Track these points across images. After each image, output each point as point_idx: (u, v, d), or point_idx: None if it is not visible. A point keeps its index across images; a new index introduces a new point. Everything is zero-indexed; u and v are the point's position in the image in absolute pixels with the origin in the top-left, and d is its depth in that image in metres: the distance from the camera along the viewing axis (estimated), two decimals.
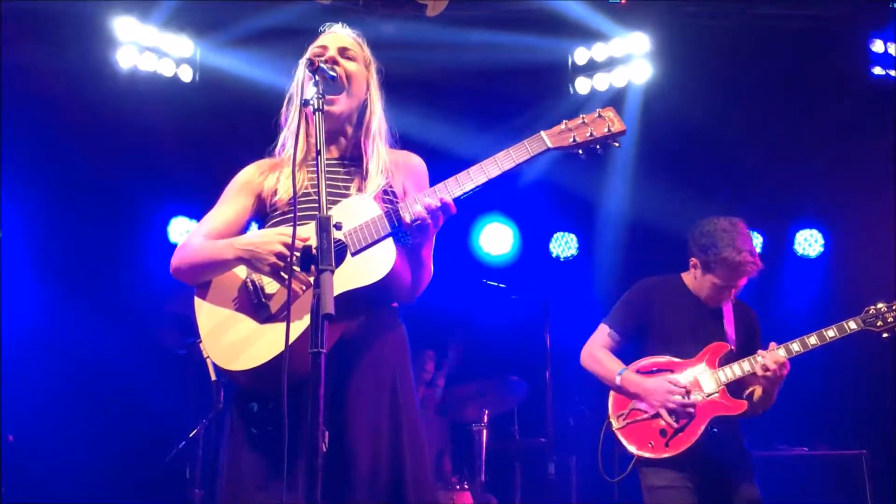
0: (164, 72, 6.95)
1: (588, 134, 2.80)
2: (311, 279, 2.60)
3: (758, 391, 4.14)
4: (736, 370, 4.15)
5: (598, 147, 2.83)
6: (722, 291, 4.28)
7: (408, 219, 2.68)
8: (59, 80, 6.74)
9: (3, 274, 7.13)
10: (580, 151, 2.82)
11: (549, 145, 2.77)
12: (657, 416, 4.17)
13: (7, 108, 6.83)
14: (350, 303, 2.63)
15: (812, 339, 4.07)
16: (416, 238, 2.75)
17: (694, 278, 4.39)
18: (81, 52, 6.74)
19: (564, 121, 2.82)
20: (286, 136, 3.04)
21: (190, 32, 6.97)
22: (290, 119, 3.01)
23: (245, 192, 2.99)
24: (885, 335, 4.07)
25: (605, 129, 2.81)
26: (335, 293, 2.54)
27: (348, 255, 2.68)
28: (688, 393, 4.15)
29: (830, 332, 4.08)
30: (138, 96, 6.87)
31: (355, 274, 2.66)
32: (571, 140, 2.79)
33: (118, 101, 6.83)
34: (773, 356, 4.05)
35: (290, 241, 2.60)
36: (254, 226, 3.05)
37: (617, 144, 2.85)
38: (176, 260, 2.87)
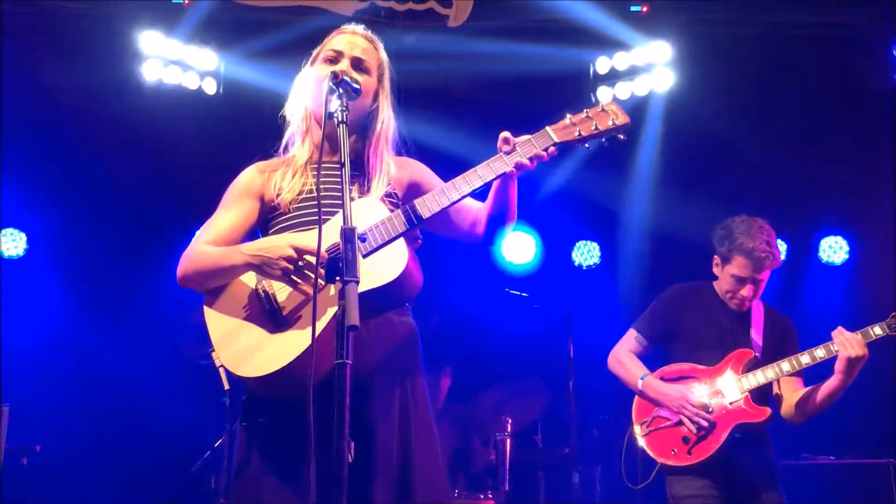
0: (189, 85, 7.02)
1: (593, 127, 2.80)
2: (322, 282, 2.62)
3: (826, 388, 4.06)
4: (759, 377, 4.13)
5: (603, 140, 2.84)
6: (741, 286, 4.24)
7: (426, 215, 2.72)
8: (84, 93, 6.83)
9: (29, 286, 7.23)
10: (586, 144, 2.83)
11: (556, 140, 2.78)
12: (680, 423, 4.17)
13: (32, 121, 6.94)
14: (366, 302, 2.60)
15: (834, 347, 4.04)
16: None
17: (719, 280, 4.38)
18: (107, 67, 6.82)
19: (568, 115, 2.82)
20: (292, 136, 3.04)
21: (214, 46, 7.04)
22: (300, 126, 3.01)
23: (248, 195, 2.98)
24: None
25: (610, 122, 2.81)
26: None
27: (359, 257, 2.69)
28: (706, 405, 4.15)
29: (858, 337, 4.04)
30: (163, 109, 6.95)
31: (370, 274, 2.65)
32: (577, 134, 2.79)
33: (143, 113, 6.91)
34: (853, 338, 3.95)
35: (300, 245, 2.63)
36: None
37: (622, 137, 2.85)
38: (182, 267, 2.85)
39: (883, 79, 6.92)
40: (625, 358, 4.44)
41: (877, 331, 3.99)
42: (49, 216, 7.36)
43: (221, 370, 2.65)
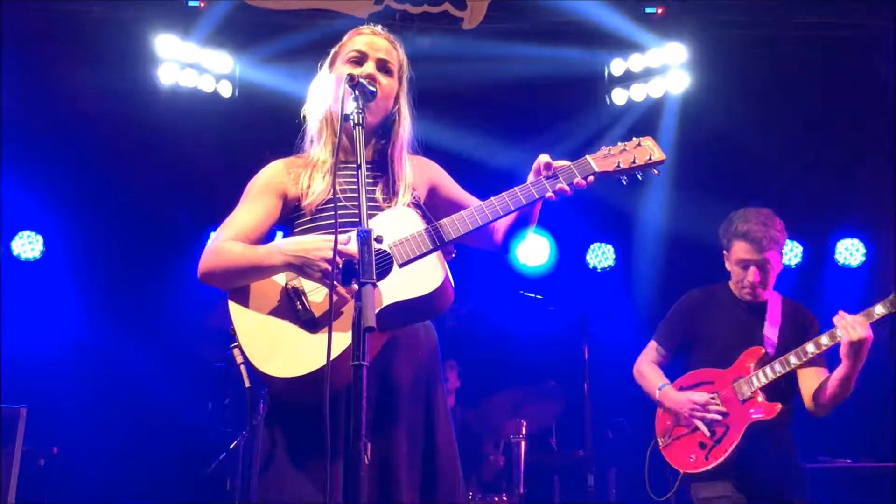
0: (205, 88, 7.05)
1: (631, 160, 2.88)
2: (342, 287, 2.63)
3: (835, 375, 3.95)
4: (769, 373, 4.09)
5: (639, 174, 2.91)
6: (746, 271, 4.23)
7: (464, 230, 2.73)
8: (101, 96, 6.87)
9: (45, 289, 7.28)
10: (623, 177, 2.89)
11: (596, 169, 2.82)
12: (696, 430, 4.17)
13: (49, 124, 6.98)
14: (400, 313, 2.64)
15: (838, 332, 3.95)
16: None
17: (731, 275, 4.37)
18: (124, 70, 6.86)
19: (605, 146, 2.88)
20: (312, 136, 3.00)
21: (229, 49, 7.07)
22: (322, 127, 2.96)
23: (271, 192, 2.91)
24: None
25: (647, 157, 2.89)
26: (387, 302, 2.59)
27: (395, 266, 2.68)
28: (720, 411, 4.14)
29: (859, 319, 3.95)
30: (179, 112, 6.98)
31: (406, 285, 2.65)
32: (616, 165, 2.85)
33: (159, 116, 6.95)
34: (855, 320, 3.84)
35: (342, 248, 2.58)
36: (279, 234, 3.03)
37: (657, 172, 2.93)
38: (208, 264, 2.78)
39: None
40: (645, 369, 4.47)
41: (879, 310, 3.87)
42: (65, 218, 7.41)
43: (242, 367, 2.61)
